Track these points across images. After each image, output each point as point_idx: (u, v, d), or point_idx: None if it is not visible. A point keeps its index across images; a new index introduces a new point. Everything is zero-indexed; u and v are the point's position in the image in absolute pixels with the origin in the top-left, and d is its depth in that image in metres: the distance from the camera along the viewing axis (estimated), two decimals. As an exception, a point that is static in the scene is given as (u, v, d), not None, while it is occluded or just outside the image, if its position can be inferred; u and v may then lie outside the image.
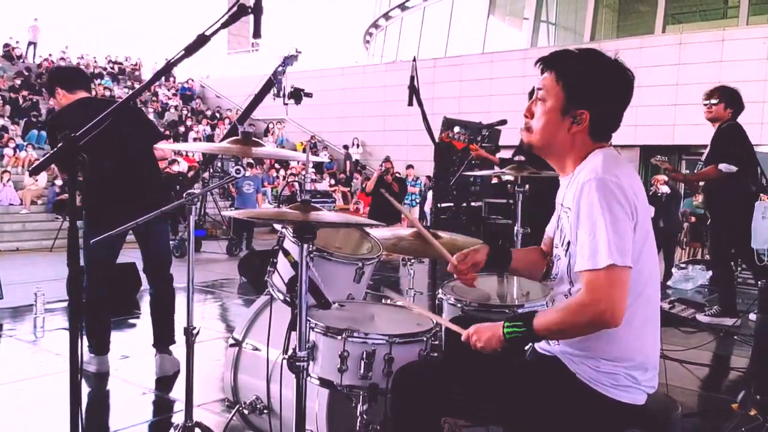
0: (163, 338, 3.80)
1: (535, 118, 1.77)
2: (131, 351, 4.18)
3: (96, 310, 3.71)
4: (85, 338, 2.88)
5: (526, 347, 1.88)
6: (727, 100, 5.08)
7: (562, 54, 1.76)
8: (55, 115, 4.02)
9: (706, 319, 5.23)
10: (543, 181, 3.19)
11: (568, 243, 1.69)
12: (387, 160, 13.10)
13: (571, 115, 1.71)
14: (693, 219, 10.08)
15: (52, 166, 2.57)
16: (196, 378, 2.52)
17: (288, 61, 4.30)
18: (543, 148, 1.79)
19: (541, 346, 1.80)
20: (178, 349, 4.13)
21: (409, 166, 15.57)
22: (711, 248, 5.48)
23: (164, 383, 3.69)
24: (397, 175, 12.58)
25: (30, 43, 23.22)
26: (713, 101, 5.10)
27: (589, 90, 1.70)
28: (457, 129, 4.18)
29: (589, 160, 1.70)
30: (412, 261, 2.96)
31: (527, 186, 3.64)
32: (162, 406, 3.38)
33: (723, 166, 4.84)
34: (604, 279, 1.52)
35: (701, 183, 5.37)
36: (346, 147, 19.44)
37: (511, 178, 3.85)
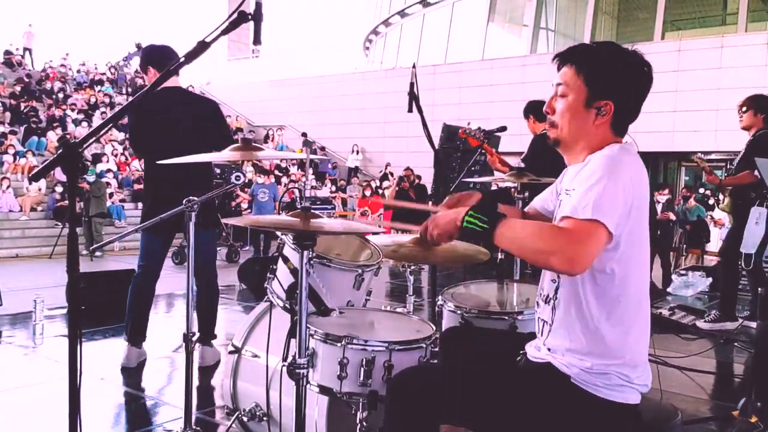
0: (205, 335, 4.02)
1: (558, 113, 1.77)
2: (130, 358, 4.17)
3: (135, 297, 3.97)
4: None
5: (517, 358, 1.89)
6: (755, 106, 5.09)
7: (581, 47, 1.76)
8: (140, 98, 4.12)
9: (706, 326, 5.22)
10: (543, 187, 3.19)
11: None
12: (408, 169, 13.03)
13: (595, 107, 1.71)
14: (687, 227, 10.13)
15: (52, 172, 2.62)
16: (195, 385, 2.52)
17: (130, 56, 4.52)
18: (570, 142, 1.78)
19: (532, 354, 1.81)
20: (178, 355, 4.13)
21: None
22: (722, 250, 5.49)
23: (163, 390, 3.68)
24: (417, 182, 12.54)
25: (25, 49, 23.29)
26: (743, 110, 5.13)
27: (612, 80, 1.70)
28: (475, 126, 4.18)
29: (606, 150, 1.70)
30: (412, 267, 2.96)
31: (527, 192, 3.64)
32: (161, 413, 3.37)
33: (758, 172, 4.85)
34: (587, 229, 1.51)
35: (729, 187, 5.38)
36: (304, 134, 19.53)
37: (510, 184, 3.86)
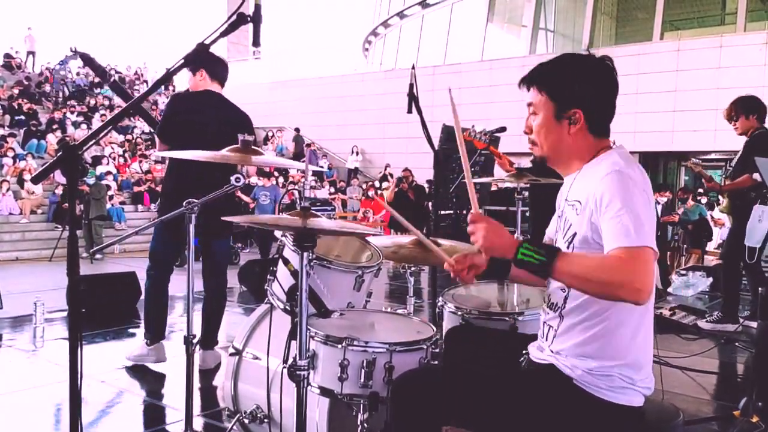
0: (207, 338, 4.07)
1: (534, 132, 1.82)
2: (131, 360, 4.17)
3: (156, 295, 4.02)
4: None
5: (521, 359, 1.88)
6: (743, 109, 5.10)
7: (537, 68, 1.81)
8: (180, 94, 4.28)
9: (708, 326, 5.22)
10: (545, 187, 3.19)
11: (573, 234, 1.71)
12: (407, 170, 12.98)
13: (566, 117, 1.75)
14: (690, 227, 10.13)
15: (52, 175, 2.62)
16: (196, 387, 2.51)
17: (66, 59, 4.63)
18: (554, 157, 1.82)
19: (536, 356, 1.81)
20: (178, 358, 4.12)
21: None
22: (724, 253, 5.49)
23: (164, 393, 3.68)
24: (415, 183, 12.53)
25: (29, 53, 23.30)
26: (733, 117, 5.13)
27: (571, 89, 1.74)
28: (479, 128, 4.21)
29: (605, 157, 1.73)
30: (412, 269, 2.96)
31: (527, 193, 3.65)
32: (162, 416, 3.37)
33: (757, 176, 4.86)
34: (638, 255, 1.49)
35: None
36: (297, 130, 19.96)
37: (510, 185, 3.86)
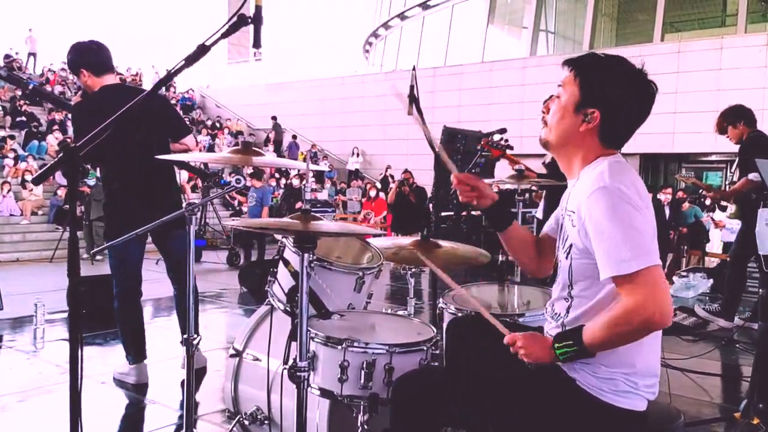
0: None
1: (550, 112, 1.79)
2: (131, 361, 4.16)
3: (129, 315, 3.74)
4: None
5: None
6: (729, 119, 5.17)
7: (587, 55, 1.78)
8: (81, 102, 3.86)
9: (702, 312, 5.45)
10: (562, 189, 3.20)
11: (570, 246, 1.70)
12: (407, 172, 12.99)
13: (583, 113, 1.72)
14: (684, 230, 10.13)
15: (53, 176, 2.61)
16: (196, 388, 2.51)
17: None
18: (556, 145, 1.79)
19: None
20: (178, 360, 4.12)
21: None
22: (732, 252, 5.59)
23: (164, 394, 3.67)
24: (416, 185, 12.53)
25: (30, 54, 23.33)
26: (725, 129, 5.19)
27: (603, 89, 1.70)
28: (497, 137, 4.19)
29: (594, 166, 1.70)
30: (413, 270, 2.96)
31: (527, 195, 3.65)
32: (162, 418, 3.36)
33: (753, 176, 4.88)
34: (642, 280, 1.51)
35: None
36: (274, 118, 20.42)
37: (511, 186, 3.86)
